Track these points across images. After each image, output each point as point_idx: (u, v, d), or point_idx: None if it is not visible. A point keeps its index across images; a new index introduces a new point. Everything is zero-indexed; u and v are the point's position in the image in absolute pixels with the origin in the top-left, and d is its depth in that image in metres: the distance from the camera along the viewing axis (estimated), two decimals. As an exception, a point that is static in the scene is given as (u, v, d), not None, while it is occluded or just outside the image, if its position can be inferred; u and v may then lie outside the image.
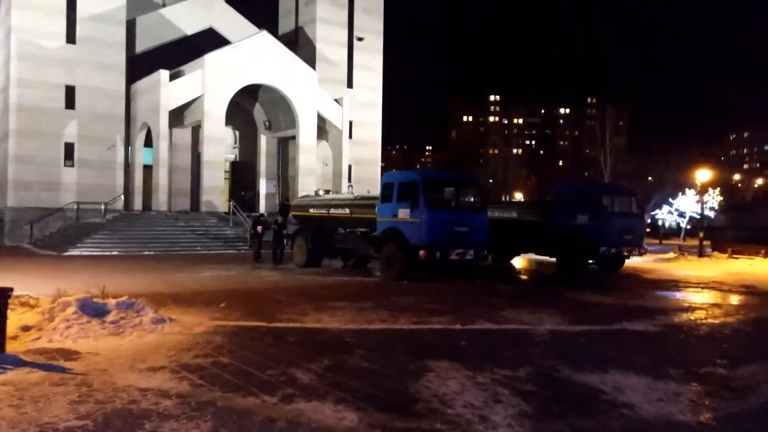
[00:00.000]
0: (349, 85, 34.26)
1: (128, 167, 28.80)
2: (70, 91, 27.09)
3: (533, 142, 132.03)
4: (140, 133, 28.56)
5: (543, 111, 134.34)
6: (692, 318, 9.93)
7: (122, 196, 27.82)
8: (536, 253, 18.86)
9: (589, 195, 17.24)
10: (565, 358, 6.66)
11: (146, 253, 21.40)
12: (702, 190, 24.48)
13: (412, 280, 13.71)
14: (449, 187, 14.34)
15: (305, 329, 8.08)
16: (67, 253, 20.75)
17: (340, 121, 30.64)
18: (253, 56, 27.54)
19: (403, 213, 13.80)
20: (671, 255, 22.86)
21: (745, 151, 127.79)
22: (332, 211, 16.81)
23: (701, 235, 23.51)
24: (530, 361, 6.50)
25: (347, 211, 16.20)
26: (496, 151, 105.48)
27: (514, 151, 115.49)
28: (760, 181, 72.26)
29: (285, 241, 17.97)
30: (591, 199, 17.00)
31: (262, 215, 20.70)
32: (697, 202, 27.69)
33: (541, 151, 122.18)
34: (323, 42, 33.50)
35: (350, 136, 31.98)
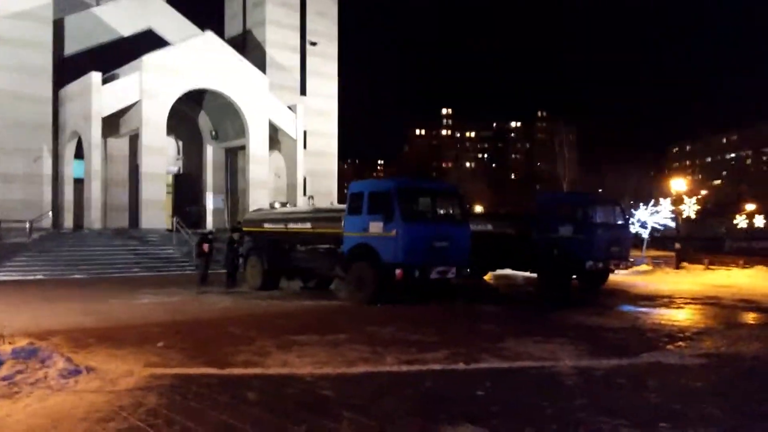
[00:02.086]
0: (303, 92, 32.40)
1: (57, 181, 25.89)
2: (-12, 96, 24.13)
3: (485, 155, 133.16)
4: (70, 143, 25.76)
5: (495, 124, 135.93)
6: (720, 345, 8.58)
7: (50, 213, 24.91)
8: (515, 269, 17.47)
9: (574, 205, 15.97)
10: (618, 413, 5.07)
11: (76, 276, 18.79)
12: (677, 200, 23.98)
13: (386, 303, 11.96)
14: (426, 197, 12.72)
15: (269, 378, 6.20)
16: (-19, 279, 17.93)
17: (293, 130, 28.71)
18: (197, 58, 25.34)
19: (375, 227, 12.06)
20: (646, 267, 22.01)
21: (687, 163, 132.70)
22: (291, 225, 14.90)
23: (678, 246, 22.79)
24: (580, 420, 4.87)
25: (308, 225, 14.34)
26: (449, 165, 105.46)
27: (468, 164, 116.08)
28: (703, 192, 74.45)
29: (240, 260, 15.89)
30: (575, 209, 15.73)
31: (210, 232, 18.51)
32: (672, 212, 27.17)
33: (494, 164, 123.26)
34: (274, 46, 31.58)
35: (304, 147, 30.07)
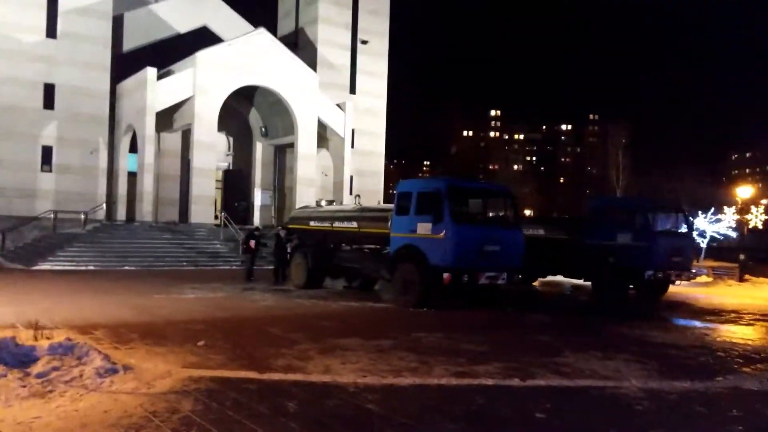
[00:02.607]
0: (352, 90, 32.20)
1: (111, 174, 26.51)
2: (49, 90, 24.84)
3: (534, 158, 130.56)
4: (125, 137, 26.34)
5: (544, 127, 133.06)
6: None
7: (104, 205, 25.51)
8: (566, 276, 16.71)
9: (632, 211, 15.10)
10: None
11: (126, 268, 19.11)
12: (743, 208, 22.52)
13: (432, 308, 11.50)
14: (478, 198, 12.19)
15: (310, 386, 5.85)
16: (36, 267, 18.44)
17: (342, 129, 28.53)
18: (249, 55, 25.46)
19: (424, 228, 11.61)
20: (706, 278, 20.77)
21: (747, 171, 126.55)
22: (336, 224, 14.60)
23: (742, 257, 21.40)
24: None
25: (354, 224, 14.00)
26: (497, 167, 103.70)
27: (515, 167, 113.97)
28: (764, 201, 70.61)
29: (287, 257, 15.73)
30: (634, 215, 14.86)
31: (257, 229, 18.49)
32: (737, 221, 25.61)
33: (542, 168, 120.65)
34: (325, 44, 31.48)
35: (352, 146, 29.86)
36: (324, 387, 5.80)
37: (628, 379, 6.50)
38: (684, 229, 15.57)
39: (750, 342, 9.66)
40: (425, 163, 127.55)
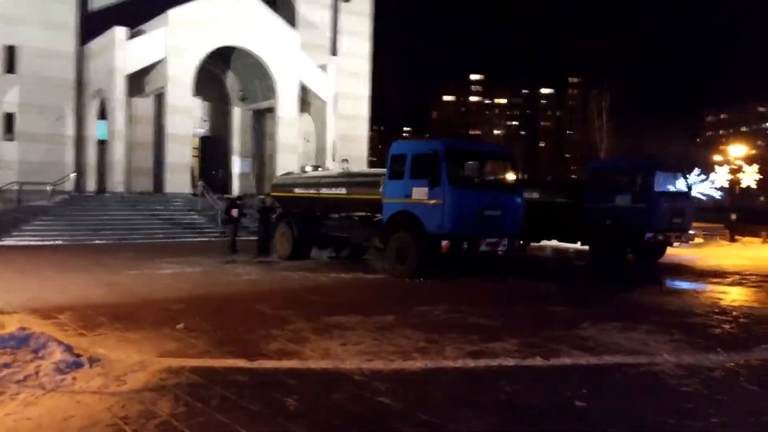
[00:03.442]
0: (334, 52, 30.80)
1: (80, 142, 25.07)
2: (9, 52, 23.20)
3: (515, 123, 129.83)
4: (93, 102, 24.78)
5: (525, 91, 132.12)
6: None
7: (72, 176, 24.09)
8: (562, 240, 16.10)
9: (632, 172, 14.43)
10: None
11: (97, 242, 18.01)
12: (735, 167, 22.13)
13: (429, 278, 10.78)
14: (477, 160, 11.32)
15: (309, 375, 5.07)
16: (0, 243, 17.26)
17: (324, 92, 27.28)
18: (226, 13, 23.93)
19: (419, 193, 10.79)
20: (698, 240, 20.38)
21: (720, 132, 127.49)
22: (323, 191, 13.71)
23: (733, 217, 21.03)
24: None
25: (343, 190, 13.12)
26: (479, 132, 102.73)
27: (496, 132, 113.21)
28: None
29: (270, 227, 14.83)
30: (634, 176, 14.21)
31: (238, 197, 17.50)
32: (729, 180, 25.22)
33: (523, 132, 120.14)
34: (305, 2, 29.87)
35: (335, 110, 28.66)
36: (326, 375, 5.02)
37: (659, 354, 5.85)
38: (683, 189, 14.97)
39: (767, 306, 9.15)
40: (405, 129, 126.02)
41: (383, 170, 12.19)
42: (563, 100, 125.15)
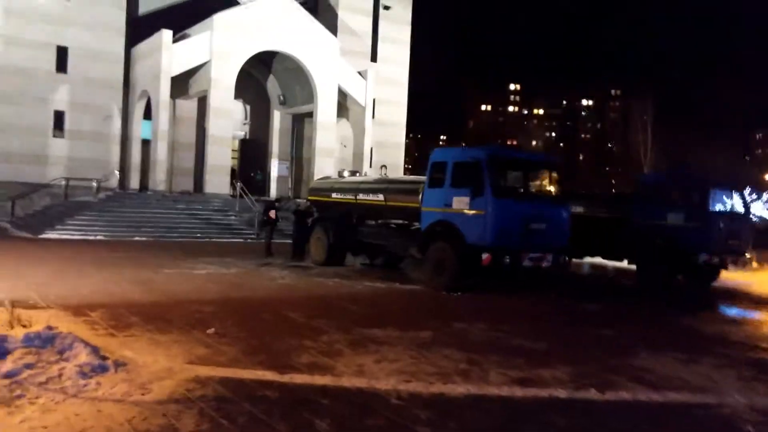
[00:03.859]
0: (373, 58, 30.64)
1: (125, 141, 25.50)
2: (61, 52, 23.74)
3: (553, 134, 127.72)
4: (139, 103, 25.23)
5: (564, 102, 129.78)
6: None
7: (117, 173, 24.57)
8: (607, 257, 15.39)
9: (686, 188, 13.68)
10: None
11: (136, 238, 18.18)
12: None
13: (467, 291, 10.35)
14: (522, 169, 10.89)
15: (342, 393, 4.74)
16: (44, 236, 17.57)
17: (363, 97, 27.14)
18: (268, 19, 24.06)
19: (460, 202, 10.39)
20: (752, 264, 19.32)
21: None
22: (361, 197, 13.42)
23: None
24: None
25: (381, 197, 12.80)
26: (515, 143, 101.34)
27: (534, 143, 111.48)
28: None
29: (306, 231, 14.64)
30: (688, 193, 13.45)
31: (277, 199, 17.44)
32: None
33: (561, 144, 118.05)
34: (345, 10, 29.88)
35: (372, 116, 28.47)
36: (360, 396, 4.69)
37: (729, 393, 5.31)
38: (741, 209, 14.10)
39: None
40: (442, 137, 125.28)
41: (422, 178, 11.83)
42: (604, 112, 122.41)
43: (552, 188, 11.14)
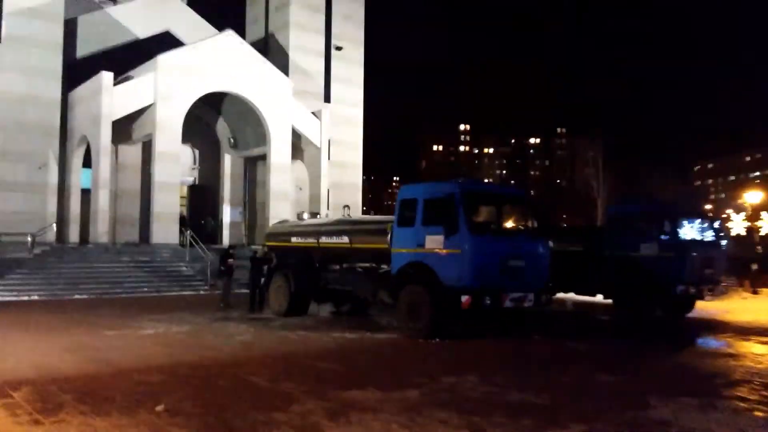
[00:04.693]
0: (327, 99, 30.22)
1: (63, 191, 23.85)
2: (-10, 98, 22.25)
3: (504, 172, 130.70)
4: (78, 150, 23.75)
5: (513, 140, 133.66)
6: None
7: (54, 226, 22.79)
8: (580, 293, 14.92)
9: (657, 218, 13.43)
10: None
11: (76, 297, 16.58)
12: (753, 215, 21.32)
13: (446, 337, 9.54)
14: (495, 204, 10.29)
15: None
16: (-31, 299, 15.79)
17: (318, 138, 26.52)
18: (216, 58, 23.31)
19: (433, 241, 9.66)
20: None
21: (710, 182, 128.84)
22: (323, 239, 12.54)
23: (755, 267, 20.01)
24: None
25: (345, 239, 11.96)
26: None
27: (486, 180, 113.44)
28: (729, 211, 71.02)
29: (265, 279, 13.60)
30: (659, 223, 13.19)
31: (232, 246, 16.34)
32: (747, 228, 24.36)
33: (512, 181, 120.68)
34: (297, 51, 29.54)
35: (328, 157, 27.83)
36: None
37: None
38: (713, 237, 13.92)
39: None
40: (395, 178, 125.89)
41: (389, 217, 11.11)
42: (551, 149, 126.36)
43: (527, 223, 10.57)
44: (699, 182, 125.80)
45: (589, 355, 8.83)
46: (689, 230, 13.02)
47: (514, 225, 10.70)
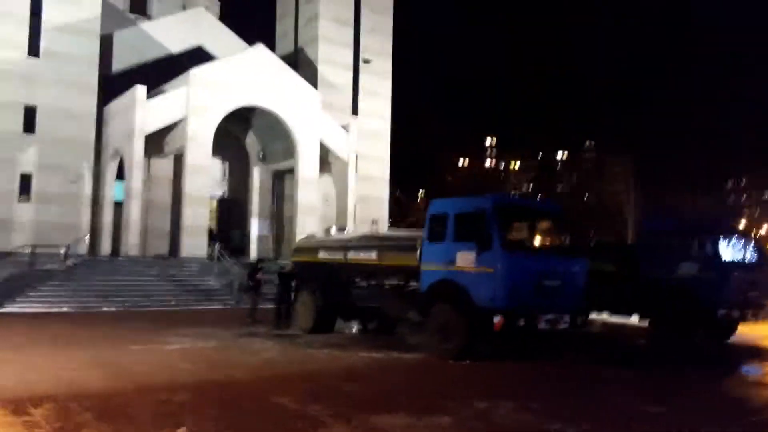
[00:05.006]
0: (354, 112, 30.27)
1: (96, 203, 24.21)
2: (29, 112, 22.69)
3: (530, 187, 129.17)
4: (112, 163, 24.16)
5: (540, 154, 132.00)
6: None
7: (87, 238, 23.12)
8: (615, 313, 14.35)
9: (697, 235, 12.84)
10: None
11: (105, 309, 16.70)
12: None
13: (477, 359, 9.19)
14: (530, 219, 9.97)
15: None
16: (2, 310, 15.99)
17: (345, 152, 26.48)
18: (246, 73, 23.52)
19: (465, 258, 9.34)
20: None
21: (744, 197, 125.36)
22: (351, 255, 12.31)
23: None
24: None
25: (373, 255, 11.70)
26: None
27: (513, 194, 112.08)
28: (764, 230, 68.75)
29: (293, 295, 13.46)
30: (700, 241, 12.60)
31: (261, 260, 16.28)
32: None
33: (540, 195, 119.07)
34: (325, 64, 29.68)
35: (355, 171, 27.76)
36: None
37: None
38: (757, 258, 13.24)
39: None
40: (420, 191, 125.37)
41: (419, 232, 10.84)
42: (579, 163, 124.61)
43: (564, 240, 10.18)
44: (732, 197, 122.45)
45: (631, 381, 8.39)
46: (730, 249, 12.41)
47: (549, 242, 10.32)
